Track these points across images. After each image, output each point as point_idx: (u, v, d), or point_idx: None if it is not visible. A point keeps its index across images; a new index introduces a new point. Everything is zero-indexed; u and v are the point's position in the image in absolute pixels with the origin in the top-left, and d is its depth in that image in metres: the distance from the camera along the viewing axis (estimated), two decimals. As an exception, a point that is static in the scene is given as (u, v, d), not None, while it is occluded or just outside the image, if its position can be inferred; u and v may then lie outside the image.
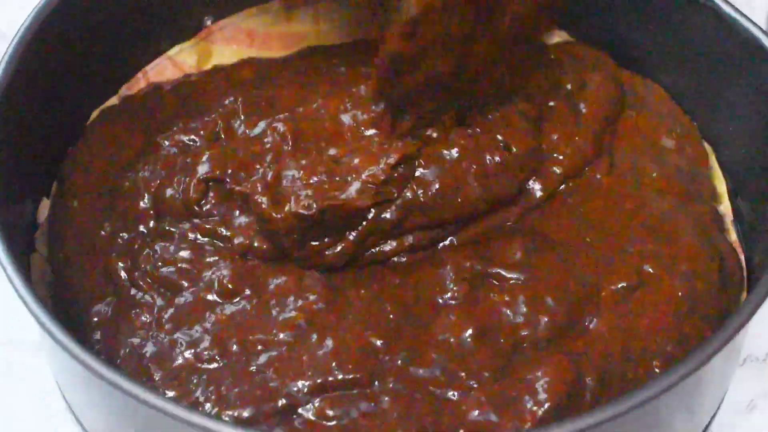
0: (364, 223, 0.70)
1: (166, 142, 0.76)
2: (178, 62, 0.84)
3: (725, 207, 0.76)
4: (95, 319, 0.69)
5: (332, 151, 0.72)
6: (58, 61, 0.74)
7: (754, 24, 0.72)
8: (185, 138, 0.76)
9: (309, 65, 0.82)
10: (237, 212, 0.72)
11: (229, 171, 0.72)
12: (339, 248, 0.70)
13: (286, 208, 0.69)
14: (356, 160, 0.71)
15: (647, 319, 0.68)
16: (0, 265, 0.61)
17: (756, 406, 0.74)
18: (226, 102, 0.78)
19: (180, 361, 0.66)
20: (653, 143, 0.78)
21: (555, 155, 0.75)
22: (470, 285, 0.69)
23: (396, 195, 0.70)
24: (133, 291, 0.70)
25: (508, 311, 0.68)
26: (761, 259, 0.71)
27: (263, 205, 0.69)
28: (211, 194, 0.72)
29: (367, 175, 0.70)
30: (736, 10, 0.73)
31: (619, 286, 0.69)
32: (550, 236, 0.72)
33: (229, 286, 0.69)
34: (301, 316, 0.68)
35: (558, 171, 0.75)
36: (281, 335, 0.67)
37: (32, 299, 0.60)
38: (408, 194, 0.71)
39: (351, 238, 0.70)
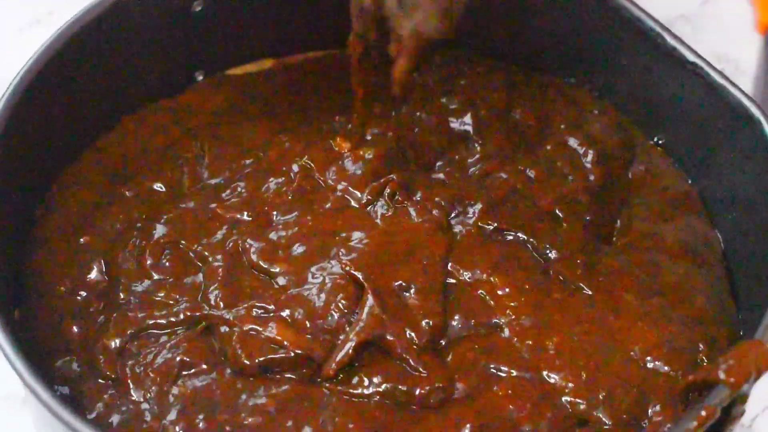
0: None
1: (128, 193, 0.76)
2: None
3: None
4: (58, 374, 0.67)
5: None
6: (46, 113, 0.74)
7: (741, 90, 0.73)
8: (151, 185, 0.76)
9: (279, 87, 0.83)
10: (190, 273, 0.71)
11: (186, 231, 0.73)
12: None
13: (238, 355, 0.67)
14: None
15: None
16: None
17: (743, 471, 0.74)
18: (193, 146, 0.78)
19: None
20: (666, 201, 0.77)
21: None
22: (474, 379, 0.66)
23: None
24: (90, 356, 0.68)
25: (511, 406, 0.65)
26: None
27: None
28: (167, 252, 0.72)
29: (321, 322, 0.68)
30: (724, 76, 0.74)
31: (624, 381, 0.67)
32: (563, 327, 0.69)
33: (186, 359, 0.67)
34: (271, 403, 0.65)
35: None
36: (250, 419, 0.64)
37: (16, 358, 0.60)
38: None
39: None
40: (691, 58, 0.75)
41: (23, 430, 0.75)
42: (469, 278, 0.71)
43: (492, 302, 0.70)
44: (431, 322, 0.68)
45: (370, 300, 0.68)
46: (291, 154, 0.78)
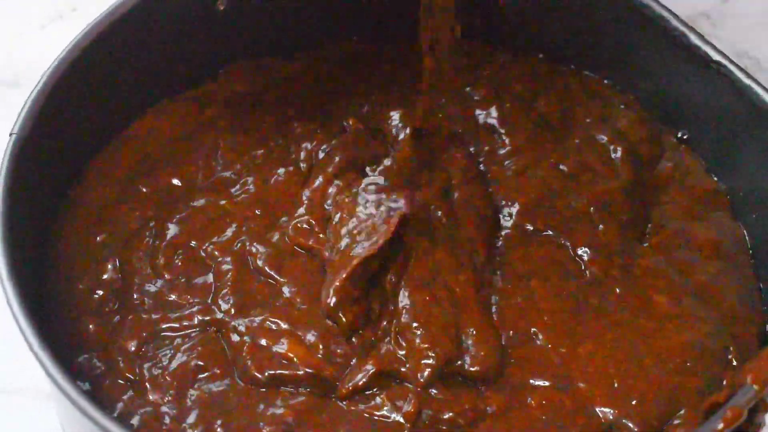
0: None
1: (145, 189, 0.76)
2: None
3: None
4: (79, 370, 0.67)
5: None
6: (73, 107, 0.74)
7: (765, 89, 0.72)
8: (168, 180, 0.76)
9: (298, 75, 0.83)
10: (201, 273, 0.71)
11: (197, 231, 0.73)
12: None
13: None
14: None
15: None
16: (13, 316, 0.61)
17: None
18: (209, 138, 0.78)
19: None
20: (695, 199, 0.77)
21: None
22: (507, 393, 0.66)
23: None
24: (108, 356, 0.68)
25: (543, 417, 0.65)
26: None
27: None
28: (179, 252, 0.72)
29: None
30: (748, 75, 0.73)
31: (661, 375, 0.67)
32: (596, 334, 0.69)
33: (200, 363, 0.67)
34: (289, 413, 0.65)
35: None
36: (268, 429, 0.64)
37: (44, 354, 0.60)
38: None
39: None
40: (716, 56, 0.75)
41: (49, 424, 0.75)
42: (509, 286, 0.71)
43: (529, 310, 0.70)
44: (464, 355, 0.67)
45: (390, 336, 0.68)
46: (301, 139, 0.78)
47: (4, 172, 0.66)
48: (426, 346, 0.67)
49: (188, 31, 0.80)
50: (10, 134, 0.68)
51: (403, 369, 0.66)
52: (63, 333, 0.69)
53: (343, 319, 0.68)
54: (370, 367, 0.66)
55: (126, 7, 0.75)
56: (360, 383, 0.66)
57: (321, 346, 0.67)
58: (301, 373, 0.66)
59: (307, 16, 0.84)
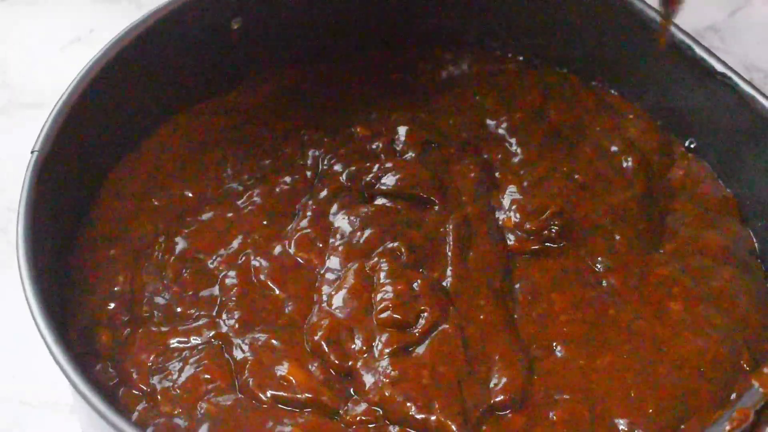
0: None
1: (156, 203, 0.77)
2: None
3: None
4: (95, 379, 0.67)
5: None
6: (92, 124, 0.75)
7: (770, 99, 0.74)
8: (180, 193, 0.77)
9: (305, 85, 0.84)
10: (207, 286, 0.72)
11: (205, 244, 0.74)
12: None
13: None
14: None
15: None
16: (39, 333, 0.63)
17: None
18: (218, 150, 0.80)
19: None
20: (706, 206, 0.77)
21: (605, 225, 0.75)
22: (530, 411, 0.66)
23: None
24: (121, 367, 0.68)
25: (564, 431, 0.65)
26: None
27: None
28: (187, 265, 0.73)
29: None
30: (753, 86, 0.74)
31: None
32: (614, 345, 0.69)
33: (207, 375, 0.67)
34: (297, 431, 0.65)
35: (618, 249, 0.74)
36: None
37: (71, 369, 0.62)
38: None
39: None
40: (720, 68, 0.76)
41: (71, 435, 0.76)
42: (529, 298, 0.71)
43: (549, 322, 0.70)
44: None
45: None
46: (308, 147, 0.79)
47: (27, 187, 0.68)
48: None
49: (201, 49, 0.81)
50: (32, 151, 0.69)
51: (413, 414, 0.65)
52: (80, 343, 0.70)
53: (332, 358, 0.68)
54: (373, 406, 0.66)
55: (139, 30, 0.76)
56: (364, 418, 0.66)
57: (321, 372, 0.67)
58: (300, 396, 0.66)
59: (315, 29, 0.85)
